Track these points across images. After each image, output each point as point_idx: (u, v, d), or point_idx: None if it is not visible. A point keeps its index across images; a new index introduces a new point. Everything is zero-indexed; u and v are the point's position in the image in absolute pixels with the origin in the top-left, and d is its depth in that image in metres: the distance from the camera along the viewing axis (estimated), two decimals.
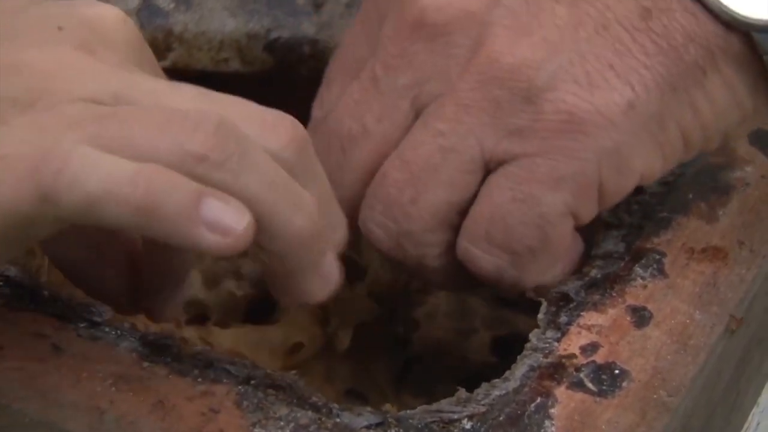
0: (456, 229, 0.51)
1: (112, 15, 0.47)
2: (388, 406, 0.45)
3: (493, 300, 0.67)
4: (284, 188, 0.43)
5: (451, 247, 0.52)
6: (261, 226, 0.42)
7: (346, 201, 0.51)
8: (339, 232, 0.48)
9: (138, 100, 0.43)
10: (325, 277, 0.46)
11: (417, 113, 0.51)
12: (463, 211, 0.51)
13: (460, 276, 0.53)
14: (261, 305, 0.63)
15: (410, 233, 0.51)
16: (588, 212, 0.51)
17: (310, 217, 0.43)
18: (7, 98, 0.43)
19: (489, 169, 0.50)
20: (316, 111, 0.56)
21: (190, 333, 0.61)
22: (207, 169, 0.41)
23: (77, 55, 0.44)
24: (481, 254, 0.51)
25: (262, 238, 0.43)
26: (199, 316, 0.63)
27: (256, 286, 0.62)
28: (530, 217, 0.50)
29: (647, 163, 0.51)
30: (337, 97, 0.54)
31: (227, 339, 0.59)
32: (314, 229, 0.44)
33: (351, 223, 0.50)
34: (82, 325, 0.47)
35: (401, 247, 0.52)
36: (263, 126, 0.44)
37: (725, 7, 0.49)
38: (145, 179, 0.40)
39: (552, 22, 0.49)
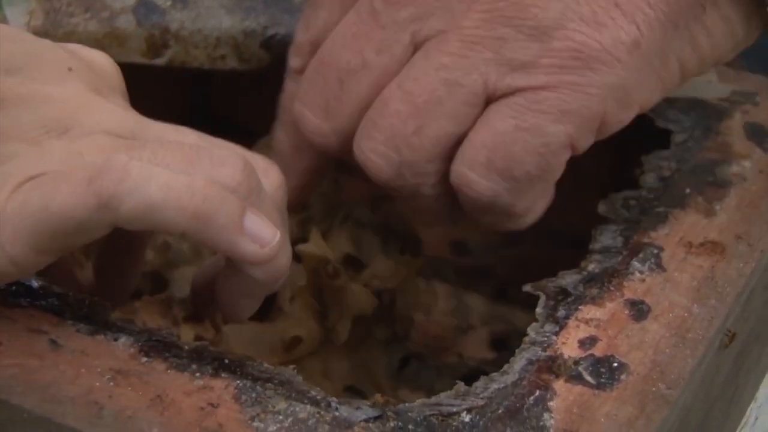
0: (451, 158, 0.52)
1: (107, 61, 0.52)
2: (378, 397, 0.44)
3: (491, 297, 0.67)
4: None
5: (445, 176, 0.53)
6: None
7: (343, 132, 0.54)
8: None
9: (152, 140, 0.48)
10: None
11: (416, 47, 0.52)
12: (460, 141, 0.52)
13: (452, 206, 0.54)
14: None
15: (412, 163, 0.52)
16: (586, 143, 0.53)
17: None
18: (38, 125, 0.47)
19: (490, 101, 0.51)
20: (301, 34, 0.57)
21: (186, 330, 0.61)
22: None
23: (91, 95, 0.49)
24: (478, 179, 0.51)
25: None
26: (195, 313, 0.63)
27: None
28: (533, 146, 0.51)
29: (647, 96, 0.53)
30: (325, 22, 0.55)
31: (225, 335, 0.59)
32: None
33: (348, 154, 0.53)
34: (80, 320, 0.47)
35: (401, 177, 0.53)
36: (256, 168, 0.49)
37: None
38: (201, 188, 0.45)
39: None
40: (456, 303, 0.66)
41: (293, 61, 0.57)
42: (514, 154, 0.51)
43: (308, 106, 0.54)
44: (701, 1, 0.51)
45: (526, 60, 0.50)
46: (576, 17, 0.50)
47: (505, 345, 0.56)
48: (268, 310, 0.63)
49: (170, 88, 0.78)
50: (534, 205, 0.54)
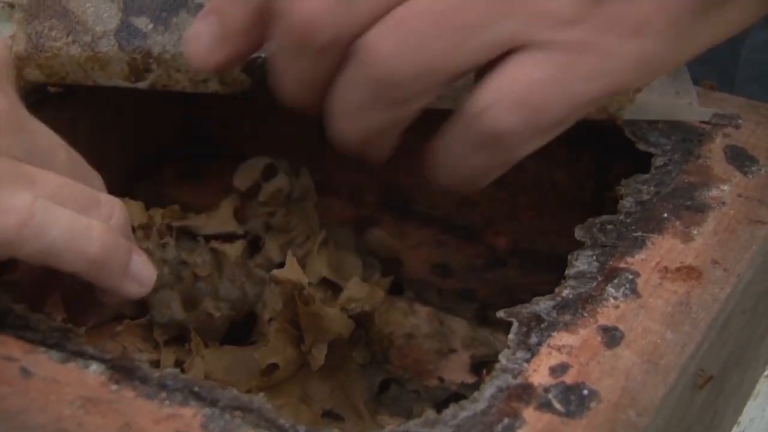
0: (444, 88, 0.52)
1: None
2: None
3: (473, 320, 0.67)
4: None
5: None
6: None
7: (348, 26, 0.50)
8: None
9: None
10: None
11: None
12: (463, 75, 0.52)
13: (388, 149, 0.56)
14: (240, 326, 0.63)
15: (429, 71, 0.51)
16: (601, 104, 0.57)
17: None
18: None
19: (525, 47, 0.51)
20: None
21: (167, 354, 0.62)
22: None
23: None
24: (505, 114, 0.51)
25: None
26: (177, 337, 0.63)
27: (234, 307, 0.62)
28: (566, 99, 0.52)
29: (668, 69, 0.57)
30: None
31: (204, 360, 0.59)
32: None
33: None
34: (51, 347, 0.47)
35: (405, 84, 0.51)
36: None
37: None
38: (99, 235, 0.48)
39: None
40: (437, 326, 0.66)
41: None
42: (547, 102, 0.51)
43: None
44: None
45: (574, 16, 0.51)
46: None
47: (486, 369, 0.56)
48: (249, 333, 0.63)
49: (159, 109, 0.78)
50: (538, 144, 0.54)
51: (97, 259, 0.48)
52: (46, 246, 0.47)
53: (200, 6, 0.65)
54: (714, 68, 0.89)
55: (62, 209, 0.48)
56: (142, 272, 0.51)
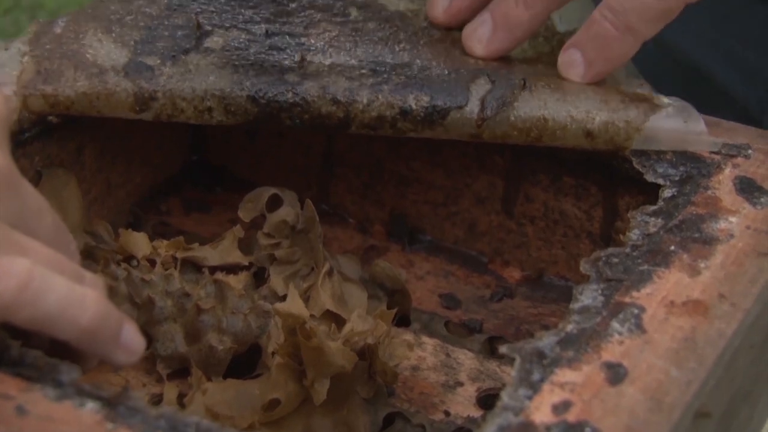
0: None
1: None
2: None
3: (480, 352, 0.66)
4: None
5: None
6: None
7: None
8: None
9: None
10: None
11: None
12: None
13: None
14: (244, 358, 0.63)
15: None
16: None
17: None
18: None
19: None
20: None
21: (170, 388, 0.61)
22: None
23: None
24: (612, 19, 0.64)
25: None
26: (181, 369, 0.62)
27: (237, 340, 0.62)
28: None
29: None
30: None
31: (206, 394, 0.58)
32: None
33: None
34: (48, 384, 0.47)
35: None
36: None
37: None
38: (91, 305, 0.49)
39: None
40: (444, 358, 0.65)
41: None
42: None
43: None
44: None
45: None
46: None
47: (493, 403, 0.55)
48: (253, 365, 0.63)
49: (165, 139, 0.78)
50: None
51: (90, 329, 0.49)
52: (42, 312, 0.47)
53: (209, 50, 0.66)
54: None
55: (59, 276, 0.48)
56: (131, 342, 0.51)
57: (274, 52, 0.66)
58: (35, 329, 0.48)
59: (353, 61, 0.66)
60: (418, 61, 0.67)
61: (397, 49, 0.68)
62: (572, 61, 0.66)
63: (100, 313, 0.49)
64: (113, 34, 0.67)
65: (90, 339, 0.49)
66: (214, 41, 0.67)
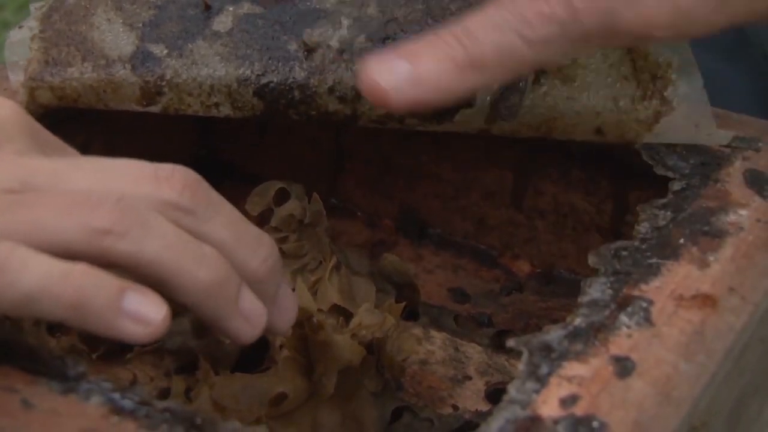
0: None
1: (7, 108, 0.51)
2: None
3: (488, 346, 0.66)
4: (184, 247, 0.48)
5: None
6: (170, 284, 0.47)
7: None
8: (256, 258, 0.50)
9: (44, 184, 0.48)
10: (247, 316, 0.50)
11: None
12: None
13: None
14: (252, 352, 0.63)
15: None
16: None
17: (211, 268, 0.48)
18: None
19: None
20: None
21: (177, 382, 0.61)
22: (112, 241, 0.46)
23: None
24: None
25: (175, 295, 0.48)
26: (189, 364, 0.62)
27: None
28: None
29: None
30: None
31: (214, 388, 0.58)
32: (218, 278, 0.48)
33: None
34: (53, 378, 0.47)
35: None
36: (158, 181, 0.49)
37: None
38: (75, 278, 0.45)
39: None
40: (452, 352, 0.65)
41: None
42: None
43: None
44: None
45: None
46: None
47: (502, 397, 0.55)
48: (261, 359, 0.63)
49: (172, 133, 0.78)
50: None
51: (75, 303, 0.46)
52: (21, 294, 0.45)
53: (216, 34, 0.65)
54: None
55: (38, 256, 0.46)
56: (141, 310, 0.46)
57: (282, 36, 0.65)
58: (21, 315, 0.47)
59: (362, 37, 0.65)
60: None
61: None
62: None
63: (83, 284, 0.46)
64: (123, 13, 0.66)
65: (80, 314, 0.46)
66: (222, 22, 0.66)
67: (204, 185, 0.50)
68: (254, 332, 0.50)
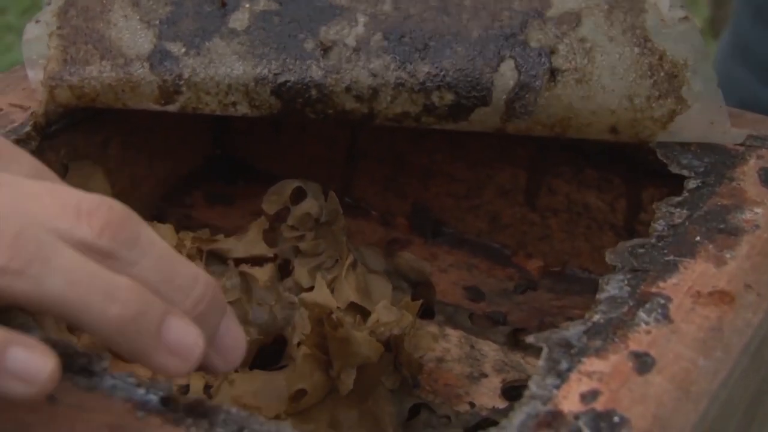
0: None
1: None
2: None
3: (504, 344, 0.66)
4: (90, 282, 0.43)
5: None
6: (78, 322, 0.43)
7: None
8: (188, 300, 0.46)
9: None
10: (173, 349, 0.45)
11: None
12: None
13: None
14: (270, 350, 0.63)
15: None
16: None
17: (125, 302, 0.44)
18: None
19: None
20: None
21: (197, 378, 0.61)
22: (9, 280, 0.42)
23: None
24: None
25: (87, 332, 0.44)
26: None
27: (263, 331, 0.62)
28: None
29: None
30: None
31: (233, 385, 0.59)
32: (133, 312, 0.44)
33: None
34: (78, 373, 0.47)
35: None
36: (78, 216, 0.45)
37: None
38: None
39: None
40: (469, 350, 0.65)
41: None
42: None
43: None
44: None
45: None
46: None
47: (518, 394, 0.55)
48: (279, 356, 0.63)
49: (190, 132, 0.78)
50: None
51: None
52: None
53: (234, 32, 0.66)
54: None
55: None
56: (25, 367, 0.42)
57: (299, 34, 0.65)
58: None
59: (378, 35, 0.65)
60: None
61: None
62: None
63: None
64: (140, 9, 0.67)
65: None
66: (239, 20, 0.66)
67: (131, 224, 0.46)
68: (186, 365, 0.45)
